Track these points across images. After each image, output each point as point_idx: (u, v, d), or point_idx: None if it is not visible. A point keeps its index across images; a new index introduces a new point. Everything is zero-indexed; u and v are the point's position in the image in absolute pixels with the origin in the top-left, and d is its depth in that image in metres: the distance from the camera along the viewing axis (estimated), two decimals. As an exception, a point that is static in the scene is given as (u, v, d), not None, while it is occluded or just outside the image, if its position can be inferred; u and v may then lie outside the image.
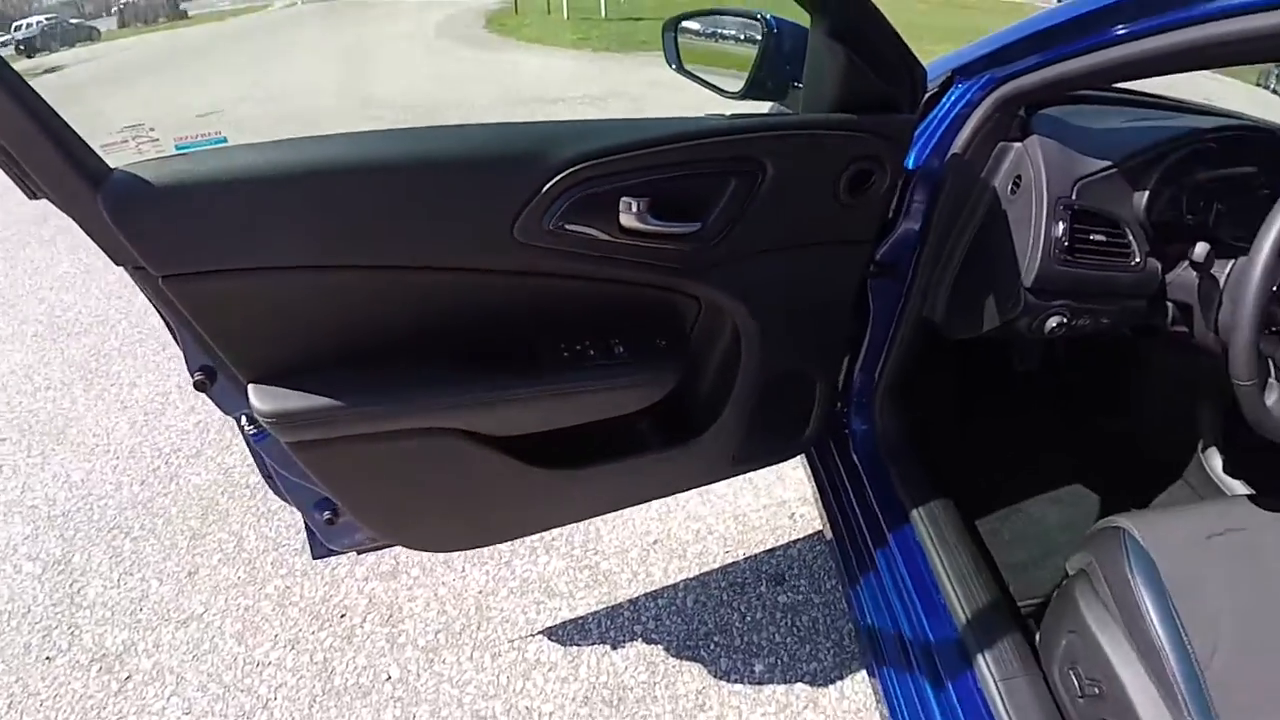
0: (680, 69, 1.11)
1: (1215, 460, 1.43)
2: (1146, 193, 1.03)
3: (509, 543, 1.80)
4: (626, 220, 0.76)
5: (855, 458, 1.34)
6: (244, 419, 0.88)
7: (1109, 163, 1.02)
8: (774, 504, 1.97)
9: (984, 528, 1.47)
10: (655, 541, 1.84)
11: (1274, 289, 0.90)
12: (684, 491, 1.21)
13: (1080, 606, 0.97)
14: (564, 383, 0.85)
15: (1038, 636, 1.07)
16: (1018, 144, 1.03)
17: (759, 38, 0.96)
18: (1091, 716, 0.91)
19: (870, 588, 1.24)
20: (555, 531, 1.84)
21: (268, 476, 1.00)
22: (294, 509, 1.04)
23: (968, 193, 1.07)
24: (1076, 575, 1.02)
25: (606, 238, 0.77)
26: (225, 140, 0.69)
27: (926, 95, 1.06)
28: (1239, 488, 1.37)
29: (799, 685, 1.49)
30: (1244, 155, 1.10)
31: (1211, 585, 0.93)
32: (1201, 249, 0.96)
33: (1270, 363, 0.95)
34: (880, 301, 1.16)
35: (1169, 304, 1.08)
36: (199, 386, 0.80)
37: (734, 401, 1.02)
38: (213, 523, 1.92)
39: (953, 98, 1.05)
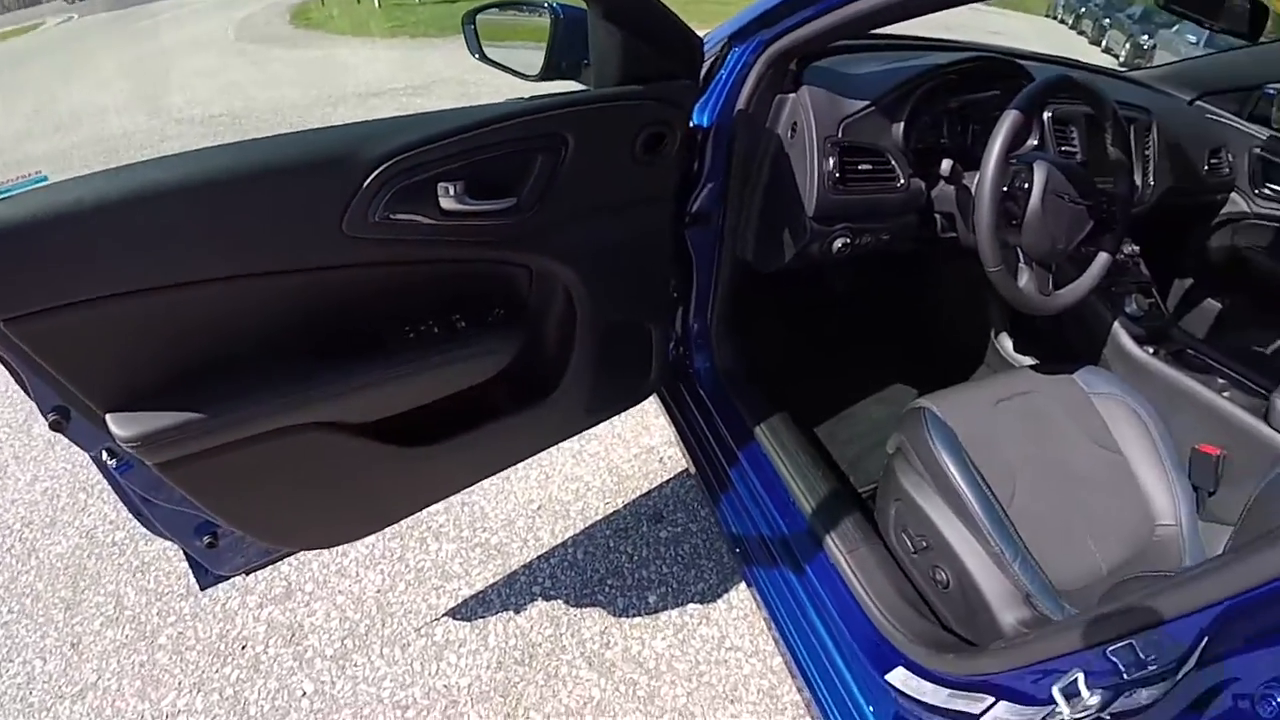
0: (483, 58, 1.16)
1: (1006, 342, 1.70)
2: (902, 124, 1.21)
3: (400, 537, 1.82)
4: (446, 204, 0.82)
5: (702, 393, 1.48)
6: (104, 454, 0.86)
7: (867, 102, 1.18)
8: (643, 451, 2.11)
9: (822, 432, 1.67)
10: (539, 508, 1.93)
11: (1004, 189, 1.10)
12: (550, 447, 1.28)
13: (900, 479, 1.16)
14: (413, 362, 0.90)
15: (876, 513, 1.26)
16: (792, 94, 1.17)
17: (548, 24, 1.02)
18: (924, 566, 1.10)
19: (733, 505, 1.39)
20: (443, 517, 1.88)
21: (138, 513, 0.98)
22: (172, 544, 1.01)
23: (756, 142, 1.20)
24: (894, 454, 1.20)
25: (431, 221, 0.82)
26: (46, 179, 0.68)
27: (710, 61, 1.17)
28: (1026, 361, 1.64)
29: (690, 606, 1.64)
30: (986, 82, 1.30)
31: (1004, 441, 1.14)
32: (946, 165, 1.15)
33: (1017, 250, 1.16)
34: (699, 249, 1.29)
35: (937, 216, 1.27)
36: (54, 427, 0.78)
37: (576, 357, 1.11)
38: (85, 588, 1.79)
39: (731, 61, 1.17)
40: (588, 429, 1.29)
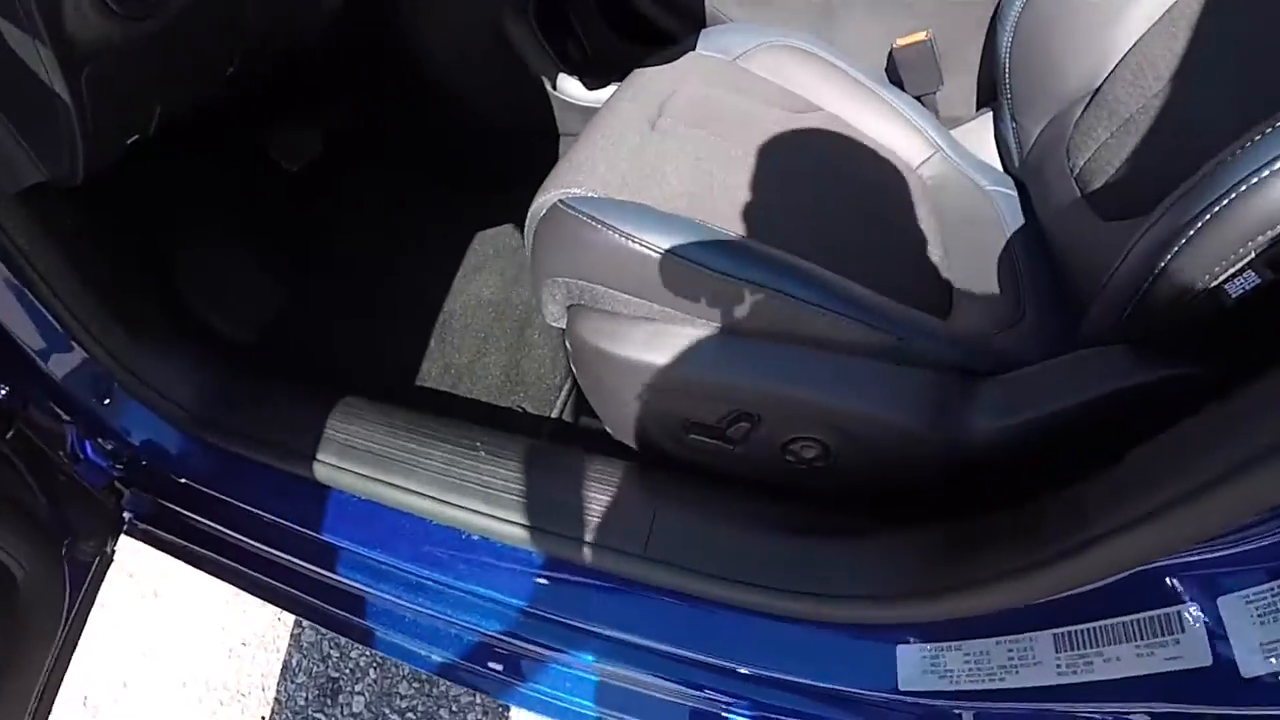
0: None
1: (569, 85, 1.25)
2: None
3: None
4: None
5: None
6: None
7: None
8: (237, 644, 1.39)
9: (423, 390, 1.17)
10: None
11: None
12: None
13: (605, 347, 0.74)
14: None
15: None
16: None
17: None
18: (766, 456, 0.76)
19: (395, 617, 0.88)
20: None
21: None
22: None
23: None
24: (572, 311, 0.79)
25: None
26: None
27: None
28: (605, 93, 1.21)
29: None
30: None
31: (692, 166, 0.82)
32: None
33: None
34: None
35: None
36: None
37: None
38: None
39: None
40: None
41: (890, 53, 1.04)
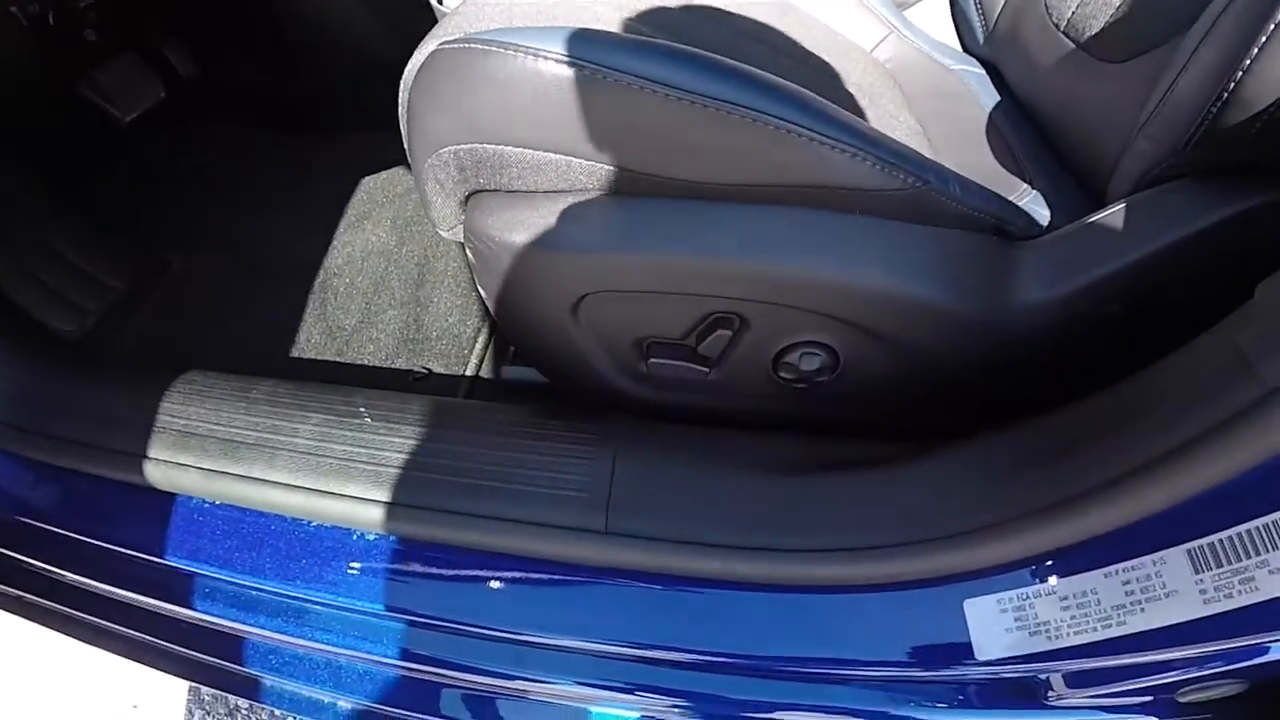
0: None
1: None
2: None
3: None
4: None
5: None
6: None
7: None
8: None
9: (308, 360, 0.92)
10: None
11: None
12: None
13: (524, 265, 0.53)
14: None
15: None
16: None
17: None
18: (756, 384, 0.58)
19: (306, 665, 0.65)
20: None
21: None
22: None
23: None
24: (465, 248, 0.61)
25: None
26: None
27: None
28: None
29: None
30: None
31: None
32: None
33: None
34: None
35: None
36: None
37: None
38: None
39: None
40: None
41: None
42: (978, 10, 0.82)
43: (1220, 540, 0.39)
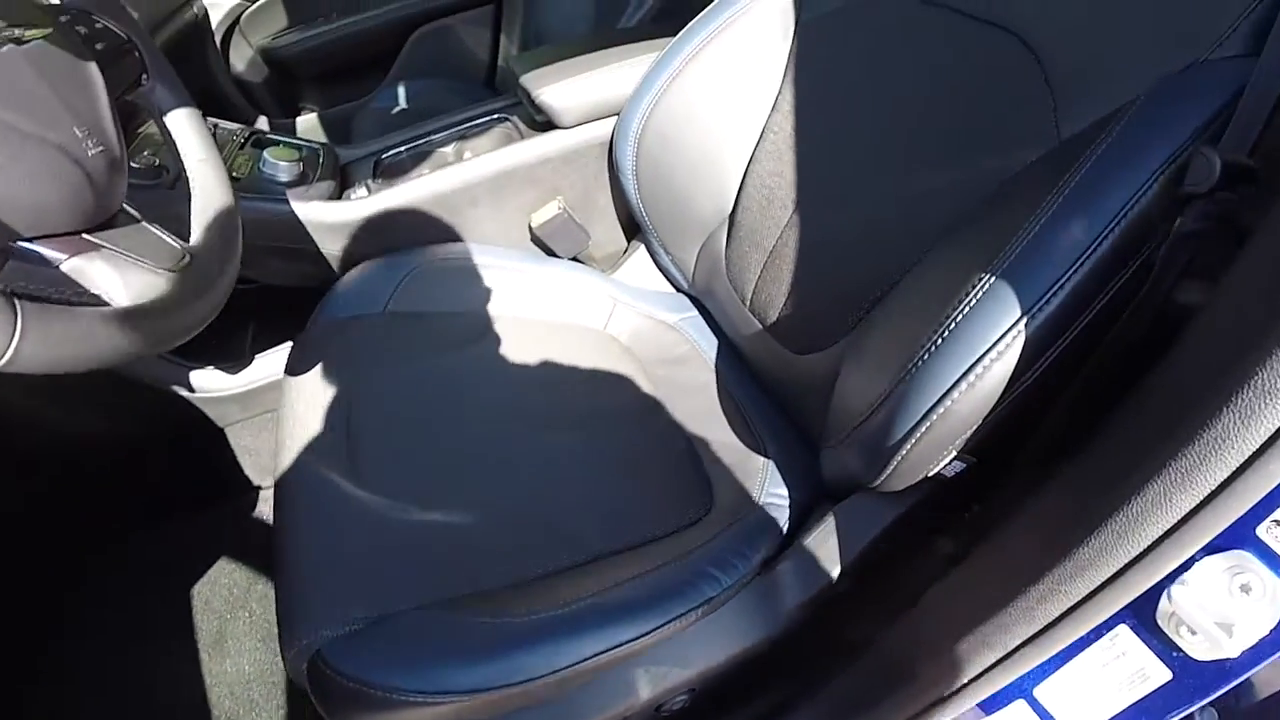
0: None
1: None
2: None
3: None
4: None
5: None
6: None
7: None
8: None
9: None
10: None
11: None
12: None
13: None
14: None
15: None
16: None
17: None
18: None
19: None
20: None
21: None
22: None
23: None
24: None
25: None
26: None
27: None
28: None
29: None
30: None
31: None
32: None
33: None
34: None
35: None
36: None
37: None
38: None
39: None
40: None
41: (530, 230, 0.98)
42: (673, 264, 0.94)
43: None
